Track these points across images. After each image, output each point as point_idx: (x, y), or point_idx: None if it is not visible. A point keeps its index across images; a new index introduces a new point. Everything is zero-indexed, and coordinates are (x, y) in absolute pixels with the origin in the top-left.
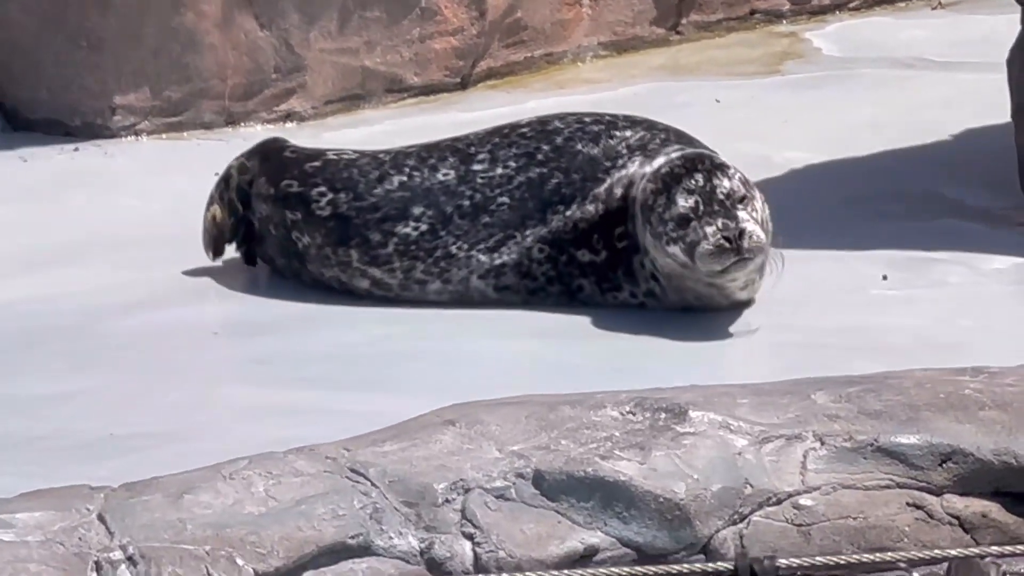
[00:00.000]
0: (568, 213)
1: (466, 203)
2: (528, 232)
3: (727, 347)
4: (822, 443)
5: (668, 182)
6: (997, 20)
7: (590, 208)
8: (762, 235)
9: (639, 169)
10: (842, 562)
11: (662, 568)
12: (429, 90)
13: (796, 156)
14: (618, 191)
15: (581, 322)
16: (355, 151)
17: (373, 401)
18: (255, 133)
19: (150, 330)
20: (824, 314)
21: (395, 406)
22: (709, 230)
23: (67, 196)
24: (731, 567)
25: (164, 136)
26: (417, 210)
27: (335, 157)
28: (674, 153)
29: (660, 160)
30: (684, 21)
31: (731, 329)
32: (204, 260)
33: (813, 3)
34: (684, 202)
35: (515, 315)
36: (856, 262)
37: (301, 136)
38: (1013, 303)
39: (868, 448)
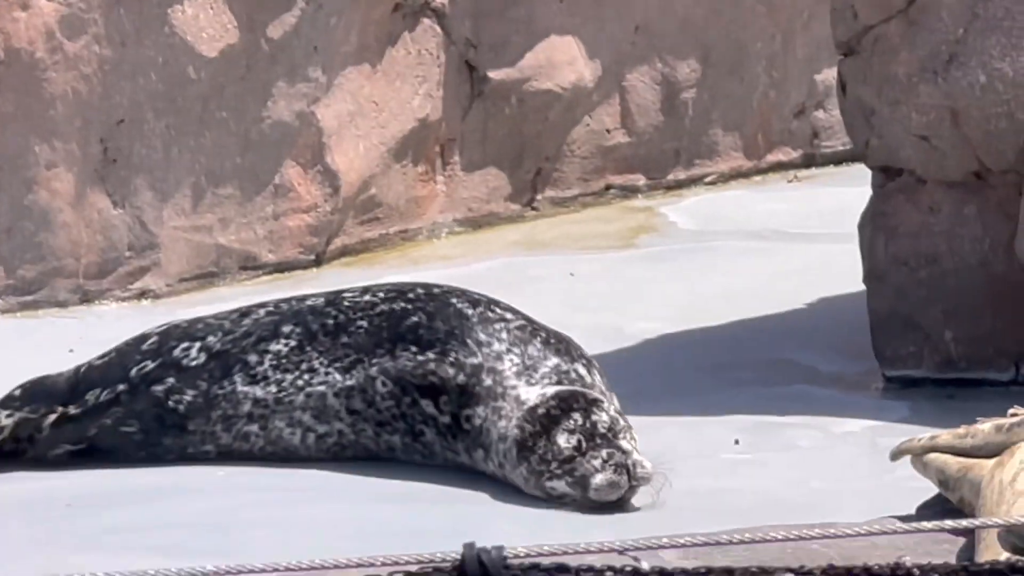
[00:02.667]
0: (420, 358)
1: (330, 322)
2: (375, 361)
3: (575, 508)
4: None
5: (547, 424)
6: (852, 192)
7: (449, 371)
8: (648, 464)
9: (514, 379)
10: (570, 551)
11: (390, 557)
12: (284, 267)
13: (649, 326)
14: (486, 380)
15: (430, 487)
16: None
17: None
18: (110, 311)
19: (2, 503)
20: (674, 478)
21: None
22: (597, 463)
23: None
24: (458, 557)
25: (19, 315)
26: (287, 328)
27: (168, 326)
28: (548, 390)
29: (535, 393)
30: (539, 197)
31: None
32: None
33: (669, 178)
34: (566, 443)
35: (365, 480)
36: (708, 428)
37: (156, 314)
38: (863, 465)
39: None
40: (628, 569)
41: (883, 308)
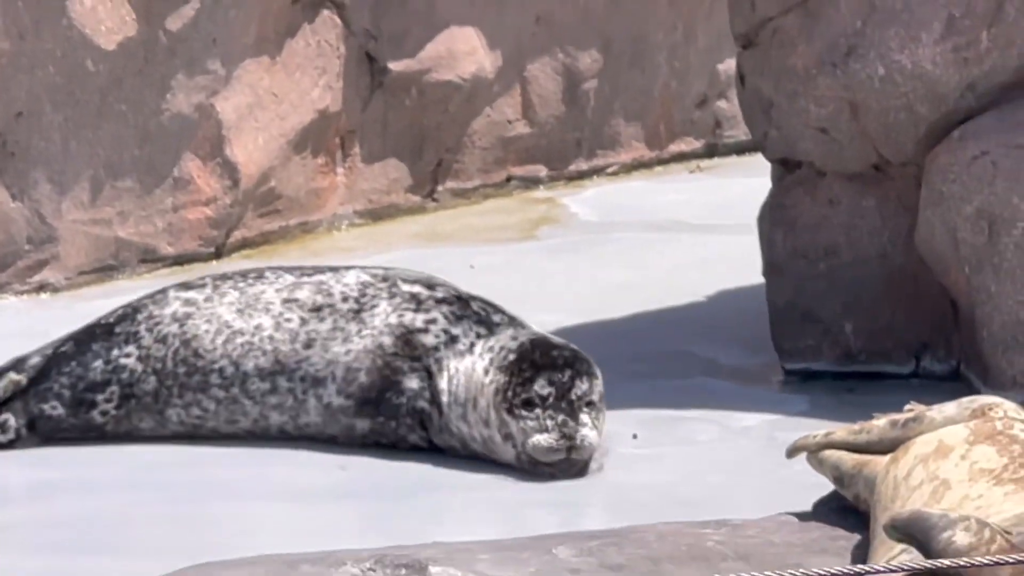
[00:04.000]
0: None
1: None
2: (352, 266)
3: (472, 505)
4: None
5: (543, 363)
6: (754, 183)
7: (439, 293)
8: (594, 443)
9: (502, 330)
10: None
11: None
12: (183, 260)
13: (549, 318)
14: (495, 317)
15: (334, 482)
16: None
17: (116, 566)
18: (8, 304)
19: None
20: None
21: (136, 569)
22: (550, 423)
23: None
24: None
25: None
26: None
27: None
28: (559, 340)
29: (539, 337)
30: (440, 188)
31: (477, 487)
32: None
33: (571, 169)
34: (540, 388)
35: (267, 477)
36: (606, 422)
37: (55, 307)
38: (761, 459)
39: None
40: None
41: (782, 301)
